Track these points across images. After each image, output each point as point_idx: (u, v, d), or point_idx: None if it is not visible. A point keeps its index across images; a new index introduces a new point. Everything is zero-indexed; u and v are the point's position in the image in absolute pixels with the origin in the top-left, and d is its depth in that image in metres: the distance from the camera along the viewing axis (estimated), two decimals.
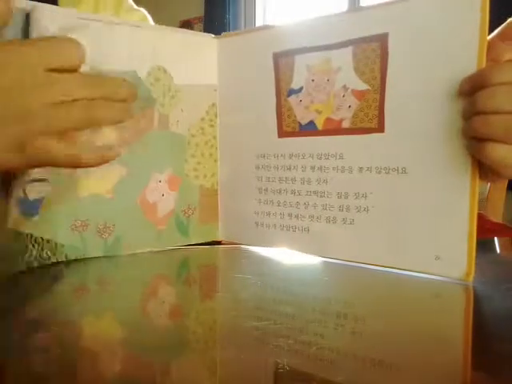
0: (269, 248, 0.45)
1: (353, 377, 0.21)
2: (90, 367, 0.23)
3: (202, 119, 0.46)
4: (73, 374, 0.22)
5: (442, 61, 0.35)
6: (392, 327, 0.28)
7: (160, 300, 0.34)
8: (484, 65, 0.33)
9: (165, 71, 0.44)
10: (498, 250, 0.44)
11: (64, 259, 0.40)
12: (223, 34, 0.47)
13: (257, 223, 0.45)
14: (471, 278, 0.34)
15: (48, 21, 0.36)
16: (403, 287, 0.36)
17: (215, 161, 0.47)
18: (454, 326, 0.29)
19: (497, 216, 0.75)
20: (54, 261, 0.40)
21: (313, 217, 0.42)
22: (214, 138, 0.47)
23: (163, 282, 0.39)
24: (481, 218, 0.62)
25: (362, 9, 0.40)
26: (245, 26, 2.23)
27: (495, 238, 0.47)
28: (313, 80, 0.41)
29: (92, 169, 0.40)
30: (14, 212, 0.38)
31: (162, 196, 0.44)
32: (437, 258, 0.36)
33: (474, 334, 0.27)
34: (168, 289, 0.38)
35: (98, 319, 0.30)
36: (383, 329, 0.27)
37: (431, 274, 0.36)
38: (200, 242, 0.47)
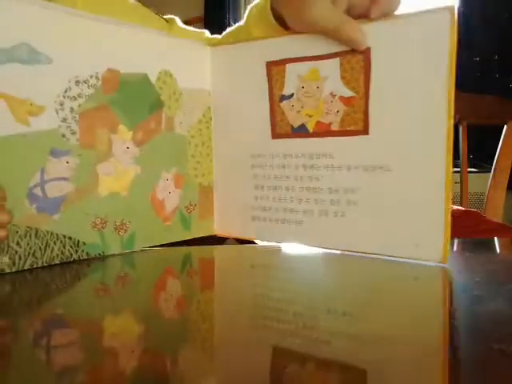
0: (265, 241, 0.49)
1: (343, 355, 0.24)
2: (111, 361, 0.24)
3: (200, 121, 0.50)
4: (94, 367, 0.23)
5: (418, 73, 0.41)
6: (378, 309, 0.31)
7: (172, 298, 0.35)
8: (453, 80, 0.40)
9: (171, 75, 0.46)
10: (498, 250, 0.45)
11: (86, 257, 0.40)
12: (216, 42, 0.51)
13: (253, 217, 0.50)
14: (447, 261, 0.39)
15: None
16: (388, 271, 0.40)
17: (211, 161, 0.51)
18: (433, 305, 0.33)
19: (497, 216, 0.78)
20: (76, 258, 0.40)
21: (306, 211, 0.46)
22: (210, 139, 0.51)
23: (173, 280, 0.40)
24: (480, 217, 0.66)
25: None
26: None
27: (495, 238, 0.49)
28: (303, 87, 0.46)
29: (112, 168, 0.42)
30: (29, 210, 0.37)
31: (169, 193, 0.47)
32: (416, 245, 0.40)
33: (450, 314, 0.31)
34: (179, 287, 0.38)
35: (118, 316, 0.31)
36: (369, 310, 0.31)
37: (412, 259, 0.41)
38: (199, 236, 0.50)
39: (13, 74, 0.36)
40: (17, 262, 0.36)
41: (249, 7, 0.53)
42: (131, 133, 0.43)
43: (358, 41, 0.41)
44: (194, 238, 0.50)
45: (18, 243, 0.36)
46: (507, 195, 0.87)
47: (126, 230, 0.43)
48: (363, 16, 0.42)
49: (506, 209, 0.86)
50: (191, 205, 0.49)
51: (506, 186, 0.86)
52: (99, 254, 0.41)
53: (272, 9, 0.48)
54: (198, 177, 0.50)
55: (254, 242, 0.53)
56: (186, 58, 0.48)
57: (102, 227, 0.41)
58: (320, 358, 0.24)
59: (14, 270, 0.36)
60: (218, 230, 0.52)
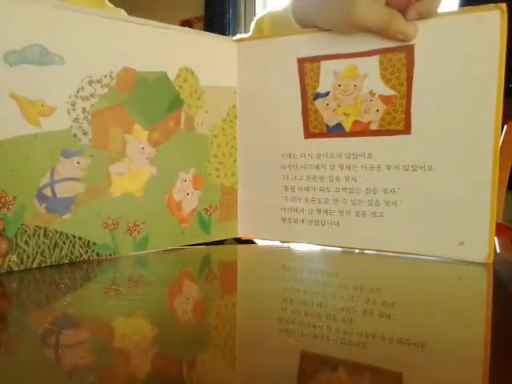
0: (296, 243, 0.47)
1: (382, 356, 0.23)
2: (122, 362, 0.23)
3: (224, 120, 0.48)
4: (104, 369, 0.22)
5: (465, 72, 0.39)
6: (420, 308, 0.31)
7: (190, 299, 0.34)
8: (502, 80, 0.37)
9: (192, 73, 0.45)
10: (498, 250, 0.46)
11: (96, 257, 0.41)
12: (242, 37, 0.49)
13: (284, 219, 0.47)
14: (491, 260, 0.39)
15: None
16: (428, 271, 0.40)
17: (234, 161, 0.49)
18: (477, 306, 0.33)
19: (497, 215, 0.76)
20: (86, 258, 0.40)
21: (342, 211, 0.44)
22: (234, 138, 0.49)
23: (192, 281, 0.40)
24: None
25: None
26: (245, 26, 2.24)
27: (495, 238, 0.50)
28: (339, 85, 0.43)
29: (125, 168, 0.41)
30: (39, 210, 0.37)
31: (187, 195, 0.46)
32: (460, 243, 0.40)
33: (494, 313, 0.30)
34: (196, 287, 0.38)
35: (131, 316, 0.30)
36: (411, 310, 0.30)
37: (456, 259, 0.40)
38: (220, 239, 0.49)
39: (25, 75, 0.36)
40: (25, 260, 0.37)
41: (256, 21, 0.51)
42: (147, 133, 0.42)
43: (408, 32, 0.39)
44: None
45: (26, 242, 0.37)
46: (507, 195, 0.83)
47: (138, 232, 0.43)
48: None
49: (506, 209, 0.82)
50: (211, 207, 0.47)
51: (506, 185, 0.82)
52: (110, 254, 0.41)
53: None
54: (221, 178, 0.48)
55: (254, 242, 0.51)
56: (209, 55, 0.46)
57: (114, 228, 0.41)
58: (355, 361, 0.23)
59: (21, 268, 0.37)
60: (242, 233, 0.50)
